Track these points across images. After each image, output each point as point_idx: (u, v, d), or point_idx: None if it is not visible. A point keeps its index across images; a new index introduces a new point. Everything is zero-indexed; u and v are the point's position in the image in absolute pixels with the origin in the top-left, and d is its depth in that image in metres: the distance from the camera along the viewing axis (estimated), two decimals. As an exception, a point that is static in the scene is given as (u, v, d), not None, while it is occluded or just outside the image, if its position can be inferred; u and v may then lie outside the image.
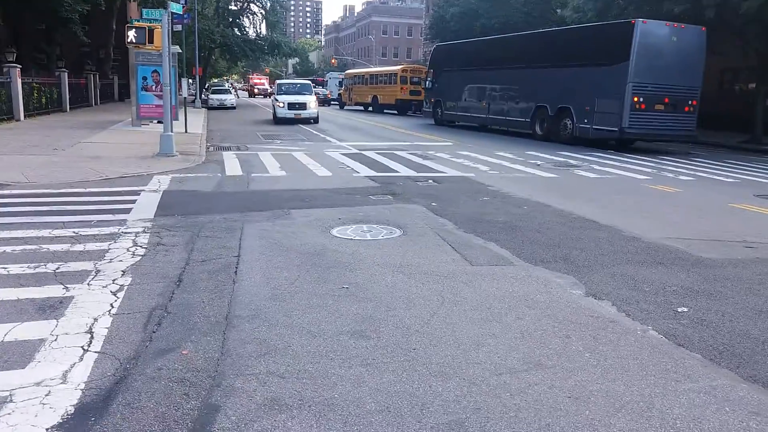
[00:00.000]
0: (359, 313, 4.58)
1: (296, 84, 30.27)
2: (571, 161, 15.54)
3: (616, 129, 18.29)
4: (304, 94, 27.81)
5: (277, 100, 27.27)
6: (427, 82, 30.25)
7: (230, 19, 52.85)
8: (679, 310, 4.88)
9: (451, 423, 3.10)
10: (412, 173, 12.39)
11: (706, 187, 12.05)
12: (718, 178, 13.45)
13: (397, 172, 12.56)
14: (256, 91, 77.58)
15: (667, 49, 18.08)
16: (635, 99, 17.85)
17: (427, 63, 33.13)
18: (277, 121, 26.57)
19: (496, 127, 24.91)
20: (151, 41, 13.60)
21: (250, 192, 9.88)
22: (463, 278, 5.52)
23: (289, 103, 26.60)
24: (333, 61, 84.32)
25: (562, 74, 20.53)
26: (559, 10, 30.46)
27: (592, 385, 3.57)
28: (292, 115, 26.30)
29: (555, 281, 5.54)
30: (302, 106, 26.66)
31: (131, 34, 13.48)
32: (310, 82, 32.27)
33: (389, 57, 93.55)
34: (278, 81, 31.42)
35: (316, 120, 26.86)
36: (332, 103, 52.75)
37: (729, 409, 3.37)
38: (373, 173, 12.18)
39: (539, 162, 15.02)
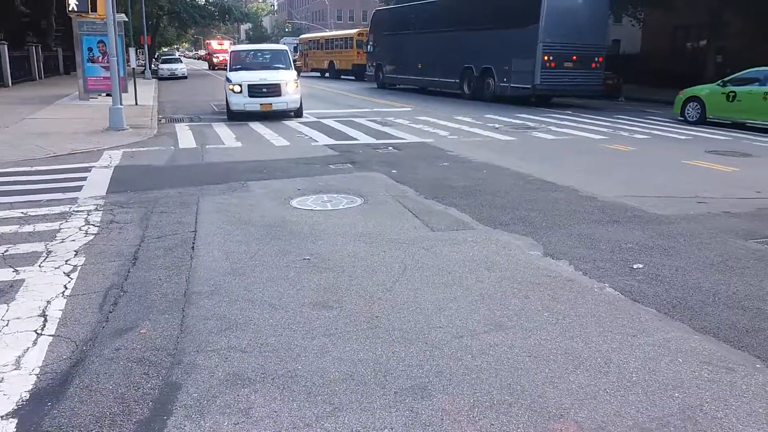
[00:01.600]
0: (321, 283, 4.56)
1: (263, 52, 18.11)
2: (529, 123, 15.66)
3: (530, 86, 19.57)
4: (278, 69, 16.60)
5: (230, 80, 15.73)
6: (368, 47, 30.64)
7: (177, -15, 51.02)
8: (635, 266, 5.01)
9: (414, 387, 3.14)
10: (371, 140, 12.30)
11: (660, 145, 12.31)
12: (671, 135, 13.76)
13: (356, 139, 12.45)
14: (215, 60, 58.34)
15: (573, 10, 19.31)
16: (546, 58, 19.07)
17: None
18: (232, 116, 15.84)
19: (432, 89, 25.70)
20: (94, 9, 13.03)
21: (206, 164, 9.67)
22: (424, 244, 5.54)
23: (251, 86, 15.41)
24: (288, 26, 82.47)
25: (484, 36, 21.60)
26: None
27: (551, 344, 3.65)
28: (257, 107, 15.47)
29: (514, 243, 5.61)
30: (274, 89, 15.57)
31: (73, 2, 12.90)
32: (286, 47, 19.39)
33: (345, 21, 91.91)
34: (233, 47, 19.44)
35: (298, 112, 16.39)
36: None
37: (682, 360, 3.49)
38: (332, 141, 12.05)
39: (497, 125, 15.08)
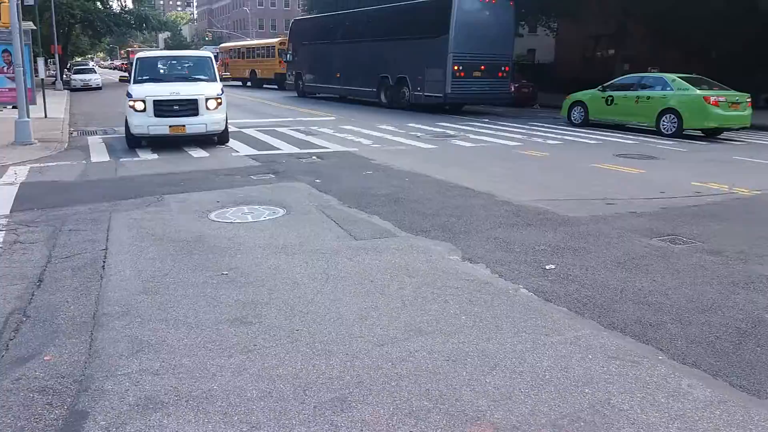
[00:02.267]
0: (240, 299, 4.47)
1: (180, 60, 14.51)
2: (449, 131, 16.01)
3: (442, 95, 20.44)
4: (198, 81, 12.93)
5: (130, 95, 11.88)
6: (288, 56, 30.88)
7: (91, -8, 48.87)
8: (547, 267, 5.21)
9: (334, 400, 3.12)
10: (295, 150, 12.20)
11: (572, 149, 12.88)
12: (582, 140, 14.42)
13: (279, 149, 12.32)
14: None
15: (481, 22, 20.27)
16: (456, 67, 19.98)
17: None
18: (133, 141, 12.34)
19: (352, 98, 26.21)
20: (-4, 17, 12.26)
21: (119, 179, 9.29)
22: (347, 254, 5.54)
23: (158, 102, 11.66)
24: (208, 35, 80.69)
25: (399, 47, 22.42)
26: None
27: (469, 347, 3.73)
28: (165, 130, 11.74)
29: (434, 249, 5.71)
30: (189, 107, 11.85)
31: (-30, 10, 12.06)
32: (210, 54, 15.50)
33: (267, 29, 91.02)
34: (140, 53, 14.59)
35: (222, 137, 12.83)
36: None
37: (591, 356, 3.65)
38: (253, 152, 11.87)
39: (419, 134, 15.33)
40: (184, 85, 12.42)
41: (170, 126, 11.73)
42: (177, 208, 7.28)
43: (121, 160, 10.98)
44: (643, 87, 16.50)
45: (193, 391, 3.20)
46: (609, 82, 17.69)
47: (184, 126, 11.82)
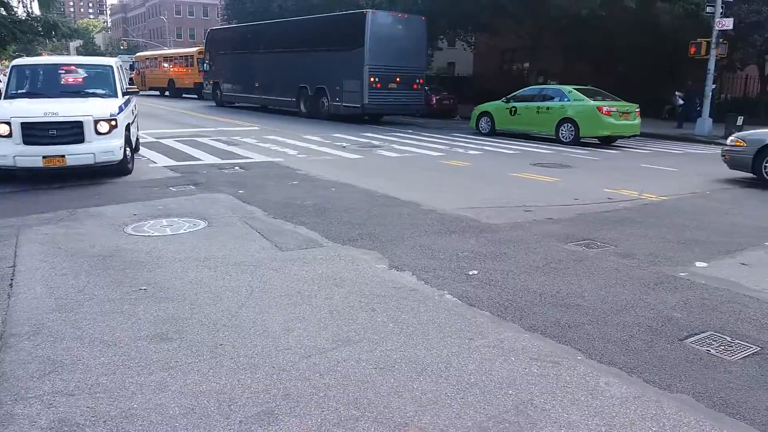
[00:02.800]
0: (160, 314, 4.30)
1: (70, 70, 10.75)
2: (374, 142, 16.14)
3: (359, 105, 21.12)
4: (89, 96, 10.23)
5: None
6: (205, 65, 30.80)
7: (-9, -4, 45.93)
8: (470, 273, 5.33)
9: (260, 414, 3.06)
10: (216, 161, 11.92)
11: (491, 159, 13.28)
12: (501, 150, 14.90)
13: (200, 160, 12.00)
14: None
15: (394, 35, 21.45)
16: (372, 79, 20.75)
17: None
18: None
19: (272, 107, 26.38)
20: None
21: (29, 192, 8.75)
22: (272, 265, 5.45)
23: (27, 125, 8.72)
24: (124, 43, 77.76)
25: (317, 58, 22.97)
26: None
27: (396, 354, 3.75)
28: (38, 162, 8.80)
29: (361, 258, 5.72)
30: (71, 131, 8.96)
31: None
32: (112, 63, 11.22)
33: (185, 38, 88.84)
34: (15, 61, 10.97)
35: (122, 167, 9.80)
36: None
37: (514, 358, 3.75)
38: (172, 163, 11.50)
39: (345, 144, 15.36)
40: (67, 103, 9.53)
41: (44, 157, 8.79)
42: (91, 222, 6.93)
43: (29, 172, 10.33)
44: (543, 98, 17.67)
45: (111, 411, 3.05)
46: (512, 94, 18.80)
47: (63, 156, 8.89)
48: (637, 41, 23.24)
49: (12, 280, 4.97)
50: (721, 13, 18.88)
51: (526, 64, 30.46)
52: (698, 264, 5.73)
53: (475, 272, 5.35)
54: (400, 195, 8.72)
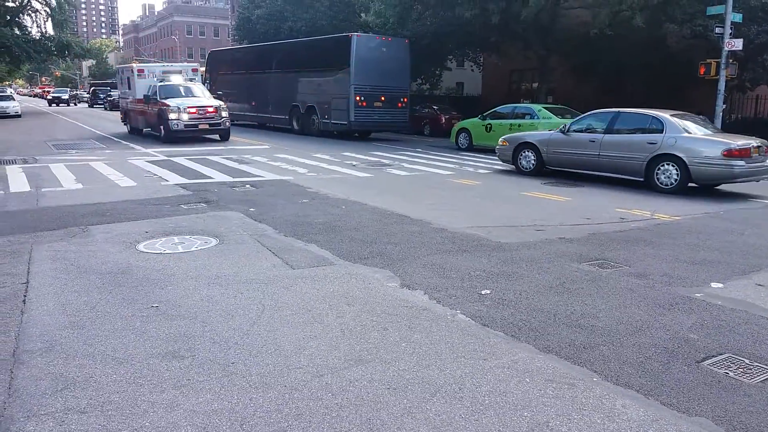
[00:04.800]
0: (171, 332, 4.29)
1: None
2: (384, 161, 16.18)
3: (347, 122, 22.47)
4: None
5: None
6: (206, 84, 31.93)
7: (8, 17, 46.60)
8: (483, 292, 5.29)
9: (273, 434, 3.02)
10: (227, 179, 11.98)
11: (502, 178, 13.26)
12: (511, 169, 14.86)
13: (211, 178, 12.06)
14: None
15: (379, 57, 22.65)
16: (357, 98, 22.06)
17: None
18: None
19: (270, 125, 27.65)
20: None
21: (41, 209, 8.81)
22: (284, 283, 5.44)
23: None
24: (135, 62, 78.66)
25: (307, 78, 24.60)
26: (363, 15, 31.50)
27: (409, 374, 3.71)
28: None
29: (373, 276, 5.69)
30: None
31: None
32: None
33: (196, 58, 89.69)
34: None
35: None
36: None
37: (529, 380, 3.70)
38: (184, 181, 11.57)
39: (355, 162, 15.40)
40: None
41: None
42: (103, 238, 6.96)
43: (43, 190, 10.43)
44: (516, 116, 18.68)
45: (123, 428, 3.03)
46: (489, 111, 19.72)
47: None
48: (646, 61, 23.25)
49: (25, 296, 4.98)
50: (730, 33, 18.87)
51: (535, 84, 30.54)
52: (714, 285, 5.66)
53: (488, 292, 5.31)
54: (411, 213, 8.71)
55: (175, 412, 3.21)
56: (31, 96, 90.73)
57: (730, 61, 19.53)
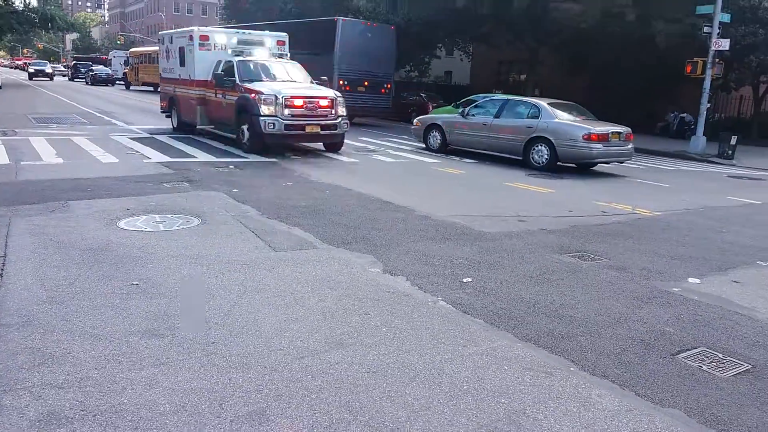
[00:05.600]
0: (151, 310, 4.26)
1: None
2: (370, 146, 16.14)
3: None
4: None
5: None
6: None
7: (-10, -12, 45.52)
8: (464, 280, 5.32)
9: (252, 413, 3.03)
10: (211, 158, 11.87)
11: (486, 168, 13.30)
12: (496, 159, 14.90)
13: (194, 157, 11.94)
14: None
15: (364, 42, 22.44)
16: (341, 82, 21.71)
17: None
18: None
19: None
20: None
21: (20, 182, 8.66)
22: (266, 265, 5.42)
23: None
24: (120, 38, 77.40)
25: (300, 59, 23.61)
26: (354, -1, 31.34)
27: (389, 358, 3.74)
28: None
29: (355, 261, 5.70)
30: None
31: None
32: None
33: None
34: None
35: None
36: (117, 82, 48.68)
37: (507, 367, 3.74)
38: (166, 159, 11.44)
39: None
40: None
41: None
42: (84, 214, 6.87)
43: (22, 163, 10.26)
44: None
45: (101, 405, 3.01)
46: (463, 100, 19.82)
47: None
48: (635, 58, 23.40)
49: (2, 270, 4.91)
50: (718, 33, 19.04)
51: (523, 76, 30.60)
52: (691, 280, 5.75)
53: (470, 280, 5.34)
54: (395, 200, 8.71)
55: (153, 389, 3.20)
56: (12, 68, 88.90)
57: (717, 60, 19.72)
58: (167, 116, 17.38)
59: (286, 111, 12.21)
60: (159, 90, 18.35)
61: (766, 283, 5.86)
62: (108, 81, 48.55)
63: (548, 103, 13.60)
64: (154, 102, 29.29)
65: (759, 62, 22.14)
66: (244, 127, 12.78)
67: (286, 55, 15.55)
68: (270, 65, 14.06)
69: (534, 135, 13.15)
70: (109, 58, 57.09)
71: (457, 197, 9.45)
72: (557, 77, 27.64)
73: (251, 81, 13.04)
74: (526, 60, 27.08)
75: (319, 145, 14.14)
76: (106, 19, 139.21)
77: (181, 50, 15.52)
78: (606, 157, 12.98)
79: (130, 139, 14.28)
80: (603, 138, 12.61)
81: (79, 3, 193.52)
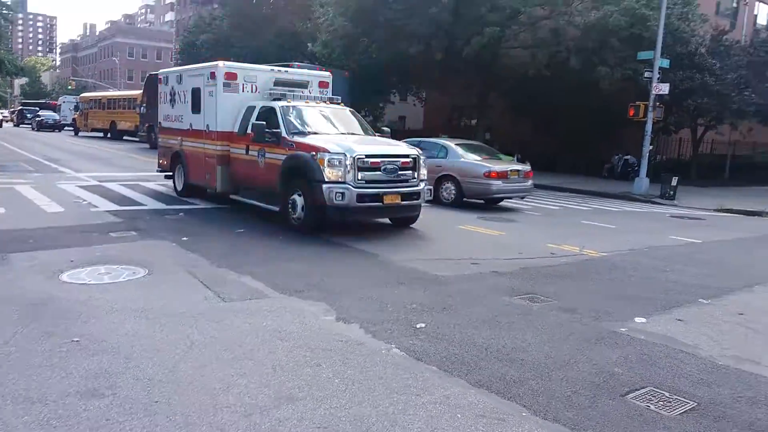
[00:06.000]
0: (92, 368, 4.08)
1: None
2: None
3: None
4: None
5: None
6: (142, 108, 30.89)
7: (-64, 30, 44.40)
8: (418, 326, 5.31)
9: (196, 477, 2.90)
10: (161, 206, 11.65)
11: (439, 212, 13.43)
12: (448, 203, 15.10)
13: (143, 205, 11.70)
14: None
15: None
16: None
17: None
18: None
19: None
20: None
21: (-44, 235, 8.29)
22: (214, 317, 5.29)
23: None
24: (72, 83, 76.18)
25: None
26: (310, 45, 31.75)
27: (341, 412, 3.66)
28: None
29: (308, 310, 5.62)
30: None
31: None
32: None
33: (136, 81, 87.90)
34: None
35: None
36: (66, 128, 47.69)
37: (460, 415, 3.71)
38: (114, 207, 11.16)
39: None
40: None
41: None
42: (24, 267, 6.61)
43: (-42, 213, 9.85)
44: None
45: (30, 477, 2.84)
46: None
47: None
48: (580, 102, 24.34)
49: (-70, 329, 4.64)
50: (658, 78, 20.03)
51: (473, 121, 31.42)
52: (637, 319, 5.87)
53: (423, 325, 5.32)
54: (350, 243, 8.69)
55: (90, 455, 3.04)
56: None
57: (658, 104, 20.68)
58: (167, 177, 13.88)
59: (359, 175, 9.04)
60: (158, 144, 14.93)
61: (707, 320, 6.04)
62: (55, 126, 47.47)
63: (456, 144, 14.84)
64: (104, 148, 28.82)
65: (696, 106, 23.36)
66: (297, 198, 9.39)
67: (337, 99, 11.86)
68: (323, 113, 10.90)
69: (442, 173, 14.14)
70: (59, 103, 56.04)
71: (412, 240, 9.50)
72: (506, 121, 28.49)
73: (303, 134, 9.81)
74: (477, 105, 27.84)
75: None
76: (58, 63, 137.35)
77: (196, 92, 11.94)
78: (506, 193, 14.13)
79: (78, 187, 13.91)
80: (502, 175, 13.66)
81: (30, 47, 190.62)
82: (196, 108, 11.99)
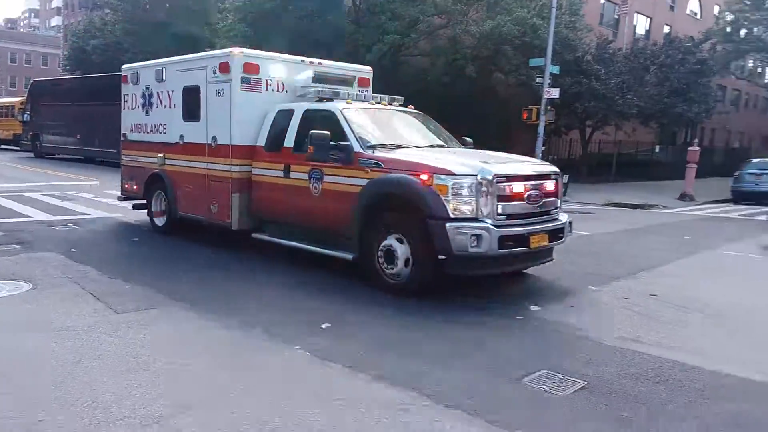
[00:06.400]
0: (-37, 391, 3.74)
1: None
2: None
3: None
4: None
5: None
6: (26, 116, 30.18)
7: None
8: (323, 326, 5.27)
9: (82, 495, 2.72)
10: (47, 217, 10.86)
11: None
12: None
13: (28, 216, 10.87)
14: None
15: None
16: None
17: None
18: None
19: (100, 159, 25.65)
20: None
21: None
22: (106, 329, 4.99)
23: None
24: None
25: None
26: (207, 51, 30.89)
27: (243, 416, 3.56)
28: None
29: (206, 317, 5.43)
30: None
31: None
32: None
33: (20, 88, 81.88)
34: None
35: None
36: None
37: (365, 409, 3.74)
38: (-6, 221, 10.31)
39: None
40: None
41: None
42: None
43: None
44: None
45: None
46: None
47: None
48: (479, 107, 25.23)
49: None
50: (549, 83, 21.13)
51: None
52: (532, 308, 6.14)
53: (328, 325, 5.30)
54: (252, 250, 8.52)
55: (-40, 483, 2.78)
56: None
57: (549, 108, 21.81)
58: (136, 207, 10.45)
59: (500, 207, 6.13)
60: (121, 163, 11.17)
61: (596, 305, 6.43)
62: None
63: None
64: (-18, 159, 26.62)
65: (584, 108, 24.87)
66: (395, 244, 6.35)
67: (400, 100, 9.09)
68: (398, 119, 8.36)
69: None
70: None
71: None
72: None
73: (387, 147, 6.93)
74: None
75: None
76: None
77: (191, 93, 8.86)
78: None
79: (-50, 200, 12.73)
80: None
81: None
82: (191, 114, 8.88)
